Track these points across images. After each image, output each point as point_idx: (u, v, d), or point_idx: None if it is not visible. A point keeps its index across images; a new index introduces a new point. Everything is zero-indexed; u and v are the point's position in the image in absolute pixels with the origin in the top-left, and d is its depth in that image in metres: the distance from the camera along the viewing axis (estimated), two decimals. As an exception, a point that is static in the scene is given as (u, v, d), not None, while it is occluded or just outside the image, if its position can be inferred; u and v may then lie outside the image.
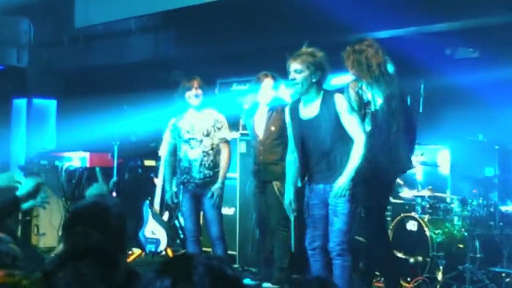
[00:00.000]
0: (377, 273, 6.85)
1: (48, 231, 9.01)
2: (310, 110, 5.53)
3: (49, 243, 8.86)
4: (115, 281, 2.18)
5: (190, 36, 9.28)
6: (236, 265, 7.82)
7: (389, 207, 7.38)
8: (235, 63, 8.99)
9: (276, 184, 6.76)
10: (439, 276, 6.65)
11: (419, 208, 7.12)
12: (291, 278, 6.92)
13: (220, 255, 6.63)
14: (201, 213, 7.03)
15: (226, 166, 6.82)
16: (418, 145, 6.58)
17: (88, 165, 9.10)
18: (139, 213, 8.29)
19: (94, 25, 9.84)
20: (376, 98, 5.73)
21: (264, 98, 6.90)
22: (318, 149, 5.50)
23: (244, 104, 7.48)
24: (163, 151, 7.38)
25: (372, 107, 5.72)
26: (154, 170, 8.74)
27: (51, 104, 11.07)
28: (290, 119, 5.70)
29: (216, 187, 6.75)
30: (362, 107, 5.69)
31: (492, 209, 6.81)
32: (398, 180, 6.98)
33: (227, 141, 6.86)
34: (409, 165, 6.05)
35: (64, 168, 9.15)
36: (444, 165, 7.52)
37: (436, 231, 6.88)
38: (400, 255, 6.94)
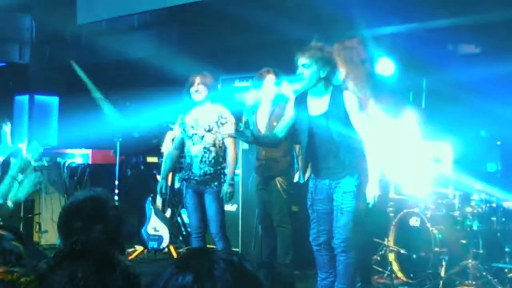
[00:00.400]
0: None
1: (50, 228, 9.01)
2: (318, 106, 5.51)
3: (51, 241, 8.86)
4: (111, 284, 2.16)
5: (193, 32, 9.27)
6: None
7: (391, 203, 7.40)
8: (238, 60, 8.98)
9: (278, 180, 6.76)
10: (442, 272, 6.65)
11: (421, 204, 7.11)
12: (294, 274, 6.93)
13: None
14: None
15: (233, 163, 6.69)
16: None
17: (90, 162, 9.10)
18: (141, 210, 8.29)
19: (96, 21, 9.84)
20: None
21: (266, 94, 6.89)
22: (326, 146, 5.48)
23: (247, 100, 7.47)
24: (166, 148, 7.36)
25: None
26: (157, 166, 8.73)
27: (53, 101, 11.08)
28: (296, 110, 5.64)
29: (225, 185, 6.63)
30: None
31: (494, 205, 6.81)
32: (402, 177, 6.99)
33: (232, 136, 6.62)
34: None
35: (66, 164, 9.16)
36: (447, 160, 7.51)
37: (439, 227, 6.87)
38: (402, 251, 6.95)
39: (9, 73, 11.05)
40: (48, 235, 9.05)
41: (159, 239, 8.13)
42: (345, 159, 5.41)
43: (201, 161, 6.69)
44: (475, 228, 6.74)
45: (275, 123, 6.77)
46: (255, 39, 8.38)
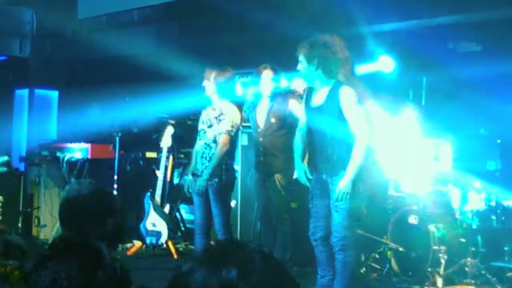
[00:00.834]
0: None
1: (49, 222, 9.00)
2: (318, 98, 5.57)
3: (50, 235, 8.85)
4: (97, 281, 2.14)
5: (193, 28, 9.26)
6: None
7: (390, 201, 7.38)
8: (237, 56, 8.95)
9: (277, 177, 6.75)
10: (441, 270, 6.64)
11: (420, 202, 7.10)
12: (293, 270, 6.92)
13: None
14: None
15: (216, 159, 6.59)
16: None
17: (89, 156, 9.08)
18: (140, 205, 8.28)
19: (97, 16, 9.82)
20: None
21: (265, 90, 6.89)
22: (318, 139, 5.52)
23: (247, 96, 7.46)
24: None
25: None
26: (156, 162, 8.72)
27: (53, 95, 11.04)
28: (304, 104, 5.75)
29: (200, 178, 6.62)
30: None
31: (494, 203, 6.79)
32: (401, 174, 6.98)
33: (226, 133, 6.63)
34: None
35: (65, 159, 9.13)
36: (446, 158, 7.49)
37: (438, 225, 6.86)
38: (401, 249, 6.94)
39: (9, 66, 11.02)
40: (47, 229, 9.03)
41: (158, 234, 8.12)
42: (334, 155, 5.40)
43: (202, 156, 6.71)
44: (474, 226, 6.73)
45: (273, 119, 6.78)
46: (254, 35, 8.36)
